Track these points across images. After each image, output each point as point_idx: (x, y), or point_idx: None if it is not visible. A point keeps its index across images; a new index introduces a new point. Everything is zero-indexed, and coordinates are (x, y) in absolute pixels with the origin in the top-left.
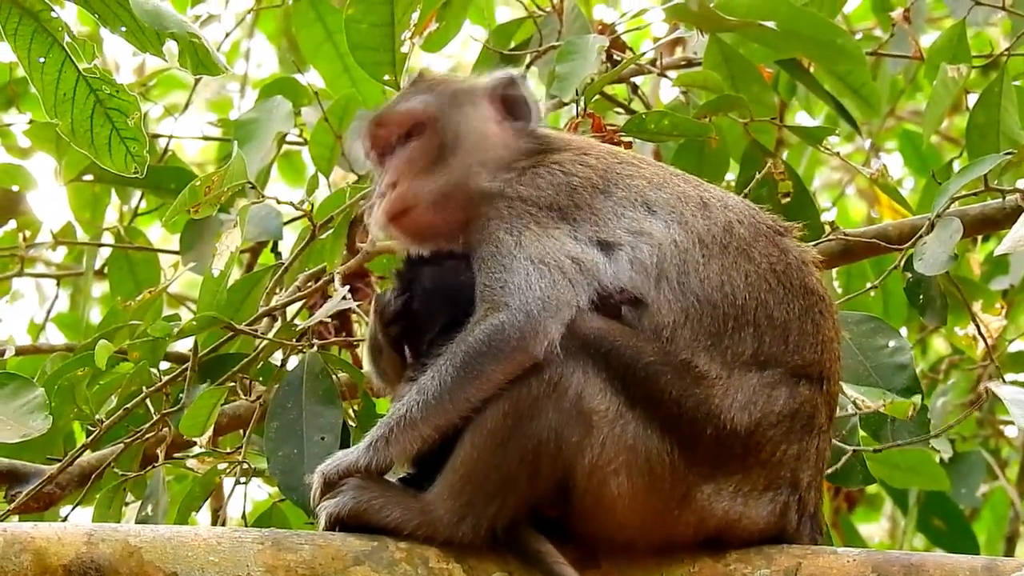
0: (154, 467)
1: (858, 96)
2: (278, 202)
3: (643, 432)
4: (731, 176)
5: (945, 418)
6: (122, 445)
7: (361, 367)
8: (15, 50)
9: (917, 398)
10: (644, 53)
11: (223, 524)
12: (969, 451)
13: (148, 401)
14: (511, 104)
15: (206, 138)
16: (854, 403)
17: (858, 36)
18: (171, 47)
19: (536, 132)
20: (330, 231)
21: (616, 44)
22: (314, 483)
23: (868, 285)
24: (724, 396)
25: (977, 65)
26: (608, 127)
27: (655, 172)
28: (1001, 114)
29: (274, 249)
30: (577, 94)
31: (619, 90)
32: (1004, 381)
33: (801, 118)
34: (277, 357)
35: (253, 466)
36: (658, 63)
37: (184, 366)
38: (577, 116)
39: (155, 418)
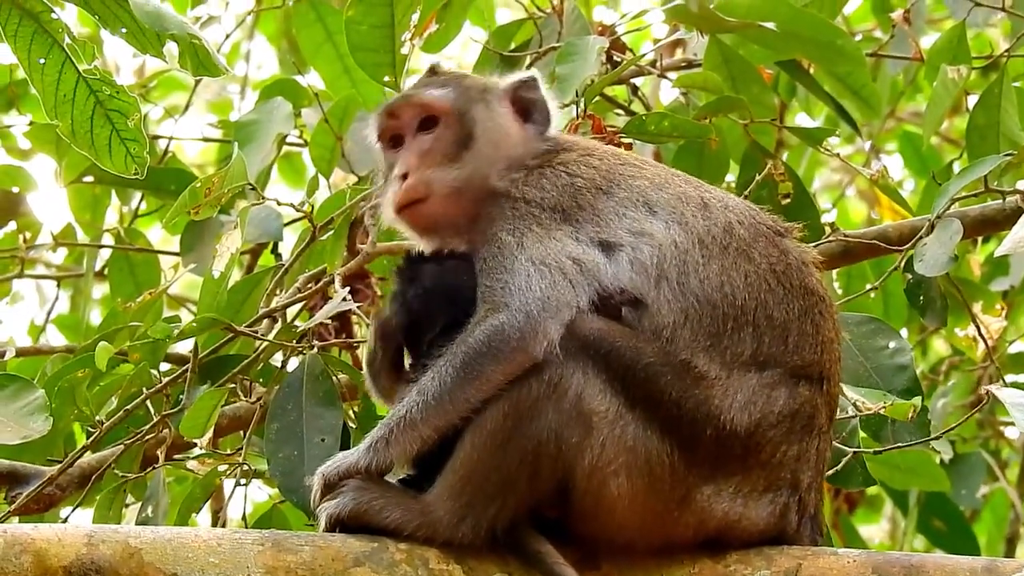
0: (154, 468)
1: (858, 97)
2: (278, 203)
3: (643, 433)
4: (731, 177)
5: (945, 419)
6: (122, 446)
7: (361, 368)
8: (15, 51)
9: (917, 400)
10: (644, 54)
11: (223, 525)
12: (969, 452)
13: (148, 402)
14: (527, 106)
15: (206, 139)
16: (854, 405)
17: (858, 37)
18: (171, 48)
19: (547, 135)
20: (330, 232)
21: (616, 45)
22: (314, 484)
23: (868, 286)
24: (724, 397)
25: (977, 66)
26: (608, 128)
27: (657, 173)
28: (1001, 115)
29: (274, 250)
30: (577, 95)
31: (619, 91)
32: (1004, 382)
33: (801, 119)
34: (277, 359)
35: (253, 467)
36: (658, 64)
37: (184, 367)
38: (577, 117)
39: (155, 419)
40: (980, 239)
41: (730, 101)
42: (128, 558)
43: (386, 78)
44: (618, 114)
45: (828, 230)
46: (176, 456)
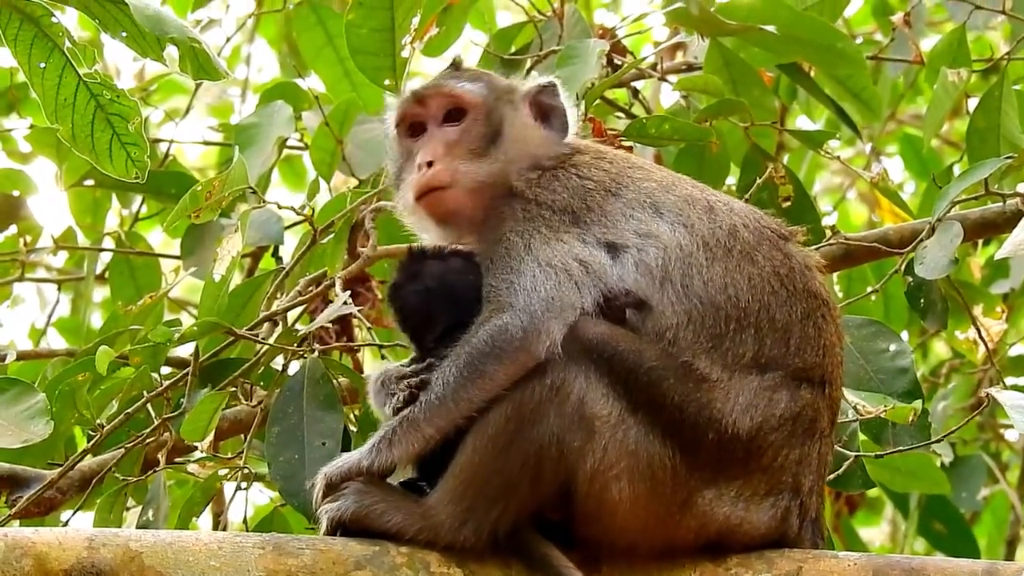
0: (155, 472)
1: (859, 100)
2: (279, 207)
3: (645, 437)
4: (732, 180)
5: (946, 422)
6: (123, 450)
7: (362, 372)
8: (15, 55)
9: (918, 403)
10: (645, 57)
11: (224, 529)
12: (970, 455)
13: (149, 406)
14: (546, 111)
15: (207, 143)
16: (855, 408)
17: (858, 40)
18: (172, 52)
19: (564, 140)
20: (331, 236)
21: (617, 48)
22: (317, 484)
23: (869, 289)
24: (726, 400)
25: (977, 69)
26: (609, 132)
27: (664, 176)
28: (1001, 118)
29: (275, 254)
30: (578, 98)
31: (620, 94)
32: (1004, 385)
33: (802, 122)
34: (278, 362)
35: (254, 471)
36: (659, 67)
37: (185, 371)
38: (578, 121)
39: (156, 423)
40: (980, 242)
41: (731, 104)
42: (129, 562)
43: (386, 81)
44: (619, 117)
45: (829, 233)
46: (177, 460)
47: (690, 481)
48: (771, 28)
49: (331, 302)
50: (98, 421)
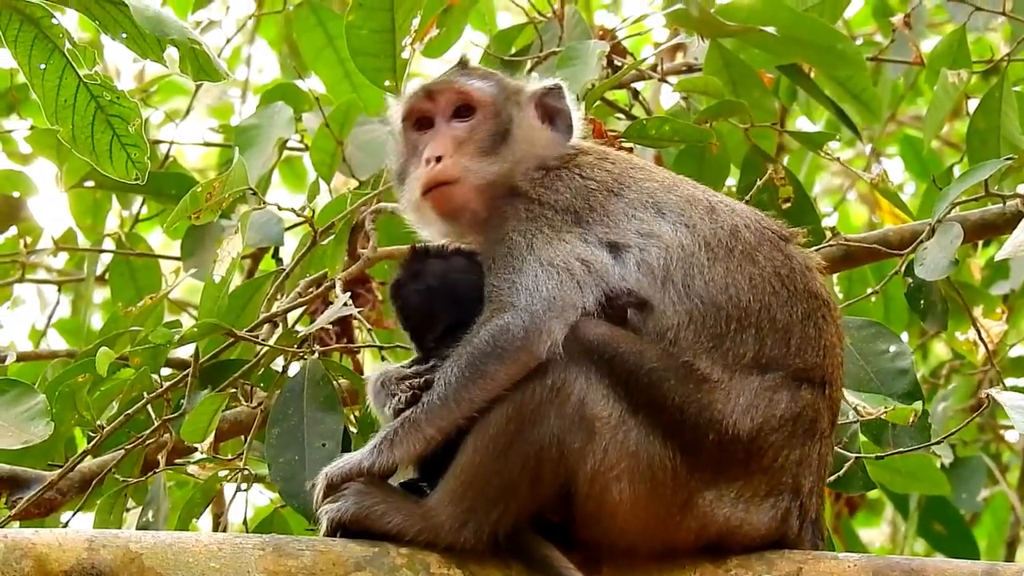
0: (155, 473)
1: (859, 101)
2: (279, 208)
3: (645, 438)
4: (732, 181)
5: (946, 423)
6: (123, 451)
7: (362, 373)
8: (16, 56)
9: (918, 404)
10: (645, 59)
11: (224, 530)
12: (970, 456)
13: (149, 407)
14: (551, 113)
15: (207, 144)
16: (855, 410)
17: (859, 41)
18: (172, 53)
19: (569, 142)
20: (331, 237)
21: (617, 50)
22: (318, 484)
23: (869, 290)
24: (726, 401)
25: (977, 70)
26: (609, 133)
27: (666, 177)
28: (1002, 119)
29: (275, 255)
30: (578, 100)
31: (620, 96)
32: (1005, 386)
33: (802, 123)
34: (278, 363)
35: (254, 472)
36: (659, 68)
37: (185, 372)
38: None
39: (156, 424)
40: (980, 243)
41: (731, 105)
42: (129, 563)
43: (387, 83)
44: (619, 118)
45: (829, 234)
46: (177, 461)
47: (690, 482)
48: (771, 29)
49: (331, 303)
50: (98, 422)
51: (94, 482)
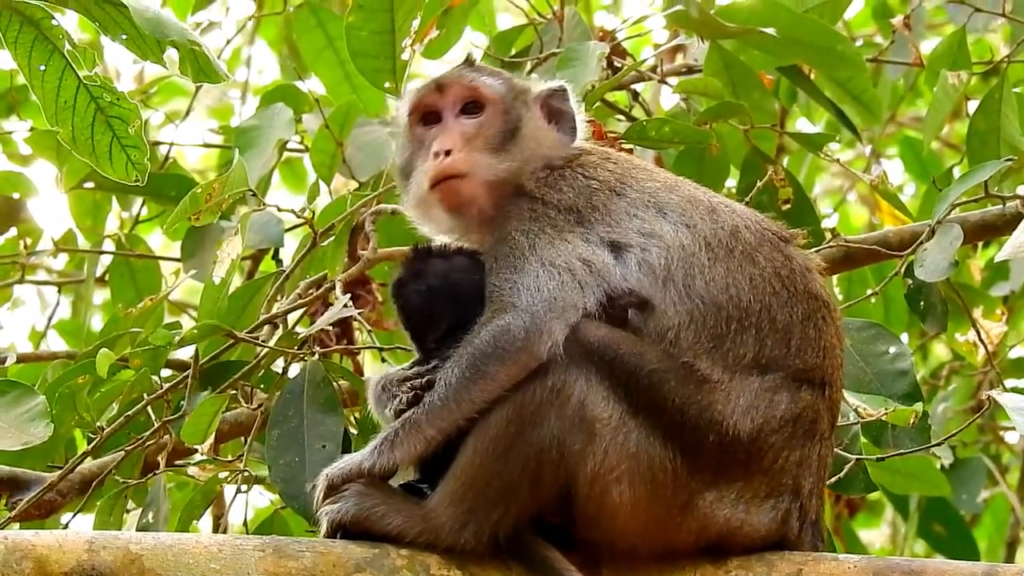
0: (155, 474)
1: (859, 102)
2: (279, 209)
3: (646, 440)
4: (732, 183)
5: (946, 424)
6: (123, 452)
7: (362, 374)
8: (16, 58)
9: (919, 406)
10: (645, 60)
11: (224, 531)
12: (970, 457)
13: (149, 408)
14: (555, 114)
15: (207, 145)
16: (856, 411)
17: (858, 43)
18: (172, 55)
19: (573, 144)
20: (331, 238)
21: (617, 51)
22: (318, 485)
23: (869, 291)
24: (726, 402)
25: (977, 71)
26: (609, 134)
27: (668, 177)
28: (1001, 120)
29: (275, 256)
30: (578, 101)
31: (620, 97)
32: (1004, 387)
33: (802, 125)
34: (278, 365)
35: (254, 473)
36: (659, 70)
37: (185, 373)
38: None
39: (156, 425)
40: (980, 244)
41: (731, 107)
42: (129, 564)
43: (387, 84)
44: (619, 120)
45: (829, 235)
46: (177, 462)
47: (691, 483)
48: (771, 31)
49: (331, 305)
50: (98, 424)
51: (94, 484)
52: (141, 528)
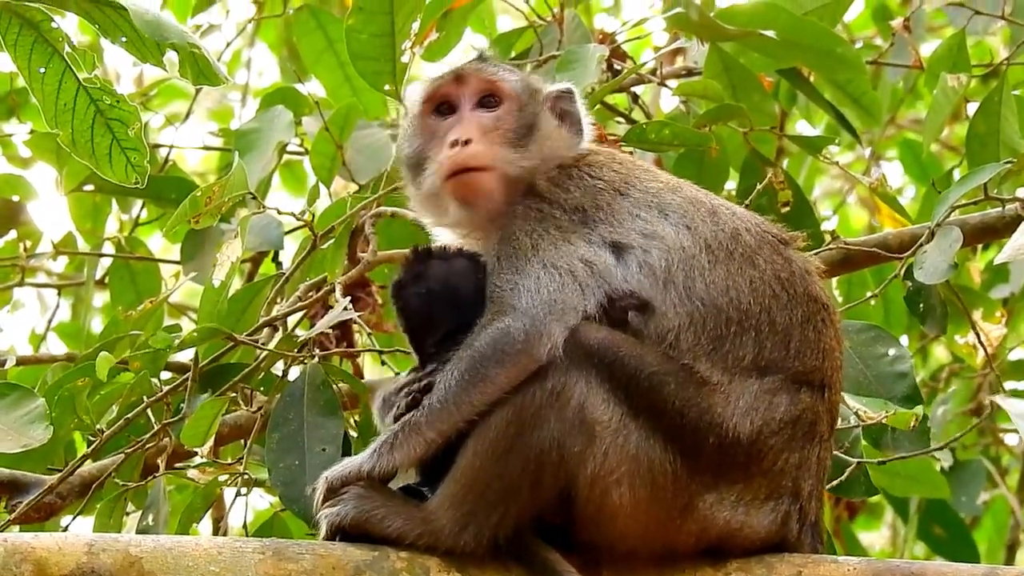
0: (155, 477)
1: (858, 105)
2: (279, 212)
3: (646, 442)
4: (731, 185)
5: (945, 426)
6: (123, 455)
7: (362, 377)
8: (15, 60)
9: (919, 409)
10: (645, 62)
11: (224, 534)
12: (970, 459)
13: (149, 411)
14: (562, 115)
15: (207, 148)
16: (856, 414)
17: (858, 45)
18: (172, 57)
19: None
20: (331, 241)
21: (616, 53)
22: (318, 488)
23: (868, 294)
24: (726, 404)
25: (977, 74)
26: (609, 137)
27: (670, 178)
28: (1001, 123)
29: (275, 259)
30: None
31: (620, 99)
32: (1004, 390)
33: (801, 127)
34: (278, 368)
35: (254, 476)
36: (658, 72)
37: (185, 376)
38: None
39: (156, 428)
40: (980, 246)
41: (730, 109)
42: (129, 567)
43: (387, 86)
44: (619, 122)
45: (828, 238)
46: (177, 465)
47: (691, 486)
48: (771, 33)
49: (331, 307)
50: (98, 426)
51: (94, 486)
52: (141, 531)
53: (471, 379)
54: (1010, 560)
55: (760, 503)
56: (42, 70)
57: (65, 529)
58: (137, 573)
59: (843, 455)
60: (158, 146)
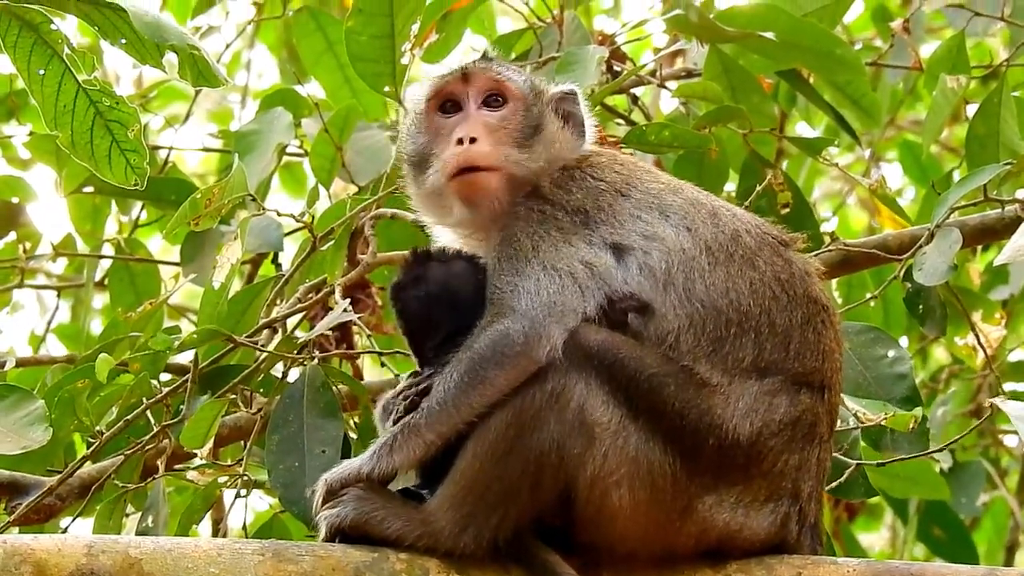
0: (154, 479)
1: (858, 106)
2: (279, 214)
3: (645, 444)
4: (731, 187)
5: (945, 428)
6: (122, 457)
7: (362, 379)
8: (15, 62)
9: (919, 410)
10: (644, 64)
11: (224, 535)
12: (969, 461)
13: (149, 413)
14: (565, 117)
15: (207, 149)
16: (855, 416)
17: (858, 46)
18: (171, 59)
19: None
20: (331, 243)
21: (616, 55)
22: (318, 490)
23: (868, 295)
24: (726, 405)
25: (976, 75)
26: (608, 138)
27: (671, 180)
28: (1000, 124)
29: (275, 261)
30: None
31: (619, 101)
32: (1003, 391)
33: (801, 129)
34: (278, 369)
35: (254, 478)
36: (658, 74)
37: (185, 378)
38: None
39: (155, 430)
40: (979, 248)
41: (730, 111)
42: (128, 568)
43: (386, 88)
44: (618, 124)
45: (828, 239)
46: (176, 466)
47: (690, 487)
48: (770, 35)
49: (331, 309)
50: (97, 428)
51: (93, 488)
52: (140, 532)
53: (470, 381)
54: (1009, 561)
55: (760, 505)
56: (42, 72)
57: (65, 531)
58: (136, 574)
59: (842, 456)
60: (158, 148)
